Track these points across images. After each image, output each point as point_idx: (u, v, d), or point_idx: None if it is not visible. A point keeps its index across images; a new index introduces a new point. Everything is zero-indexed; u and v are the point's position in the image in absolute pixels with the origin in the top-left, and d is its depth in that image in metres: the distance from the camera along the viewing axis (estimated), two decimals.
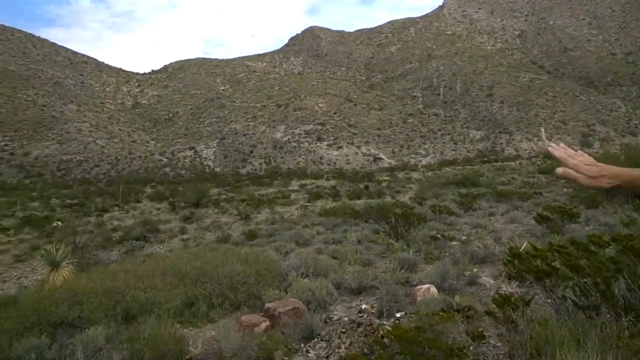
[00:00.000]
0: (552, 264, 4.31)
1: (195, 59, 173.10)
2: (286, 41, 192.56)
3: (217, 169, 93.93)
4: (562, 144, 1.41)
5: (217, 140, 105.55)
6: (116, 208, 38.90)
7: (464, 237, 11.85)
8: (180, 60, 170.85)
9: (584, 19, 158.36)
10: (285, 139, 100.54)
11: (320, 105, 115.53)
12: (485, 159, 79.08)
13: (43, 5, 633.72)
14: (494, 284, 6.91)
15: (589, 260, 4.00)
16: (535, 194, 25.57)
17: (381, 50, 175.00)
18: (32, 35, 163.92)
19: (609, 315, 3.83)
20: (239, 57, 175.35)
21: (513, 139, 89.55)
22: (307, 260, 8.85)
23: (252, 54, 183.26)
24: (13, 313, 7.31)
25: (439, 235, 11.41)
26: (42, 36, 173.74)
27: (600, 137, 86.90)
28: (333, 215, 20.21)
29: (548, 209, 12.36)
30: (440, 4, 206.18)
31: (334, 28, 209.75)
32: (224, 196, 42.02)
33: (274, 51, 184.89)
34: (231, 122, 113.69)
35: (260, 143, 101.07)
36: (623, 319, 3.55)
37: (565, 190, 26.28)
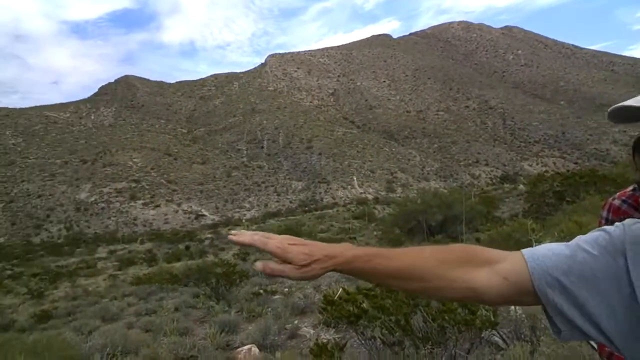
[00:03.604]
0: (362, 306, 4.51)
1: None
2: (95, 90, 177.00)
3: (1, 239, 77.79)
4: (247, 232, 1.00)
5: (3, 204, 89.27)
6: None
7: (285, 289, 11.73)
8: None
9: (384, 81, 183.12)
10: (92, 199, 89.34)
11: (135, 160, 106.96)
12: (307, 208, 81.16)
13: None
14: (314, 333, 6.93)
15: (391, 300, 4.26)
16: (350, 238, 27.44)
17: (204, 103, 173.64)
18: None
19: (412, 348, 4.11)
20: (37, 106, 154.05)
21: (330, 188, 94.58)
22: (114, 337, 7.84)
23: (53, 102, 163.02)
24: None
25: (261, 291, 11.18)
26: None
27: (402, 183, 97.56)
28: (147, 282, 18.82)
29: None
30: (262, 61, 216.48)
31: (152, 78, 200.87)
32: (9, 272, 38.13)
33: (81, 100, 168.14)
34: (23, 181, 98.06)
35: (59, 205, 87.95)
36: (422, 349, 3.97)
37: (375, 233, 28.18)
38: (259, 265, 0.91)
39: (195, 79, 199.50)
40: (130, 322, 10.53)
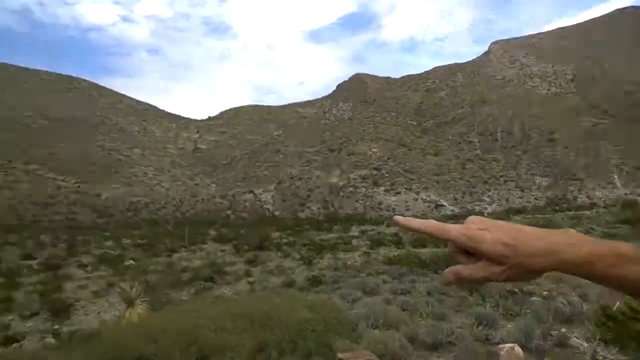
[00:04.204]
0: None
1: (248, 106, 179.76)
2: (334, 88, 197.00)
3: (277, 213, 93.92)
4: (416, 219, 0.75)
5: (274, 184, 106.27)
6: (183, 249, 40.20)
7: (545, 292, 11.04)
8: (235, 107, 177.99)
9: None
10: (342, 183, 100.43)
11: (373, 150, 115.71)
12: (557, 207, 75.61)
13: (105, 57, 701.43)
14: (588, 347, 6.25)
15: None
16: None
17: (430, 95, 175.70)
18: (96, 85, 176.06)
19: None
20: (290, 104, 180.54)
21: (585, 186, 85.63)
22: (375, 310, 8.50)
23: (302, 100, 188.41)
24: (97, 346, 8.07)
25: (516, 290, 10.75)
26: (107, 85, 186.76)
27: None
28: (398, 263, 19.90)
29: None
30: (485, 50, 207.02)
31: (379, 74, 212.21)
32: (285, 240, 43.72)
33: (323, 97, 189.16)
34: (287, 166, 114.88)
35: (316, 187, 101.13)
36: None
37: None
38: (449, 276, 0.66)
39: (418, 72, 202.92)
40: (388, 299, 11.18)
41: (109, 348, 7.27)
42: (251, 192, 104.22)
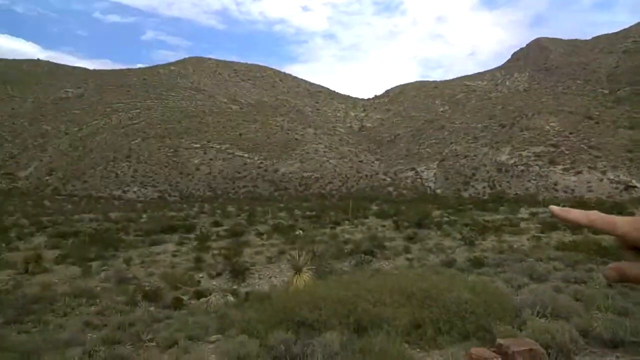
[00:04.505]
0: None
1: (413, 83, 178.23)
2: (508, 57, 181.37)
3: (438, 191, 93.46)
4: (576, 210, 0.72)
5: (437, 161, 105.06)
6: (346, 222, 43.10)
7: None
8: (400, 85, 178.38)
9: None
10: (511, 161, 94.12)
11: (552, 124, 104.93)
12: None
13: (287, 46, 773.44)
14: None
15: None
16: None
17: (628, 57, 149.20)
18: (278, 71, 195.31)
19: None
20: (458, 77, 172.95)
21: None
22: (543, 298, 7.98)
23: (471, 73, 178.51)
24: (267, 308, 8.82)
25: None
26: (287, 71, 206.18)
27: None
28: (573, 250, 18.59)
29: None
30: None
31: (564, 37, 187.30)
32: (446, 219, 43.09)
33: (495, 68, 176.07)
34: (451, 143, 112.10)
35: (482, 165, 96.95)
36: None
37: None
38: (611, 273, 0.60)
39: (614, 31, 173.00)
40: (558, 287, 10.31)
41: (277, 311, 8.20)
42: (413, 169, 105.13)
